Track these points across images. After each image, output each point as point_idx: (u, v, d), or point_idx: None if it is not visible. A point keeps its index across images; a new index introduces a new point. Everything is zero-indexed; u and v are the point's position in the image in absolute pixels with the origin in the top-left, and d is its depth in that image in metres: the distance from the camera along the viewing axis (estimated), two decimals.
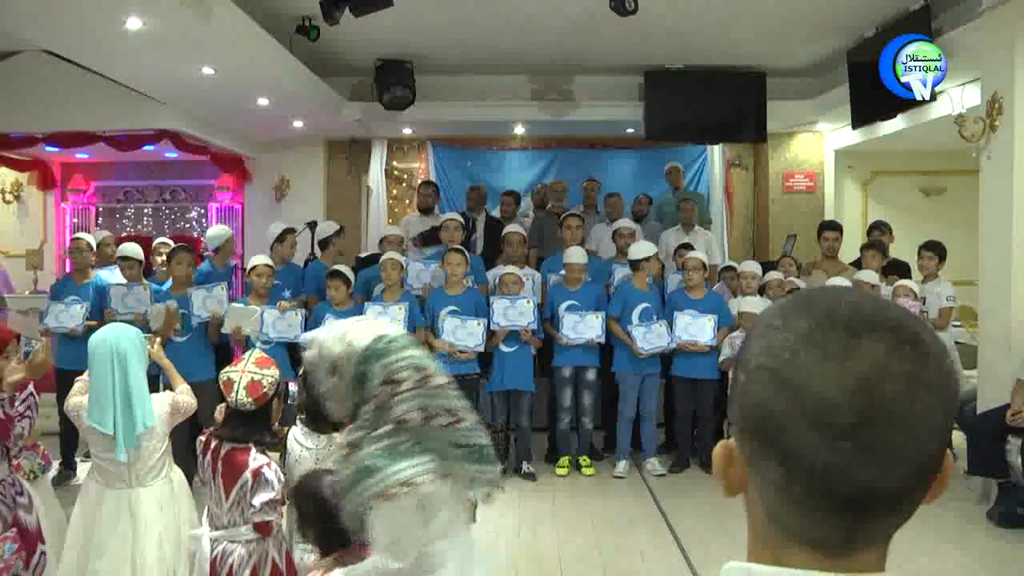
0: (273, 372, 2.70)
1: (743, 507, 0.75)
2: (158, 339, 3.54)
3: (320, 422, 2.68)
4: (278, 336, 5.35)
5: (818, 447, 0.64)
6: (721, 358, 5.75)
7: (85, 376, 2.93)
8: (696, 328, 5.70)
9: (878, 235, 6.68)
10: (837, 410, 0.63)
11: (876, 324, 0.66)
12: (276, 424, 2.78)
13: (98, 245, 6.11)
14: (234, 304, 5.39)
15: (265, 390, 2.64)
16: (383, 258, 5.70)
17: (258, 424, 2.66)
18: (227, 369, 2.72)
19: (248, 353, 2.79)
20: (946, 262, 6.09)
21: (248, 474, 2.56)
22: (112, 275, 5.92)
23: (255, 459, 2.59)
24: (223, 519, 2.61)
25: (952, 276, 6.21)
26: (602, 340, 5.69)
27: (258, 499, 2.54)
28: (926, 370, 0.65)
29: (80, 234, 6.06)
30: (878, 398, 0.63)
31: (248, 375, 2.65)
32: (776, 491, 0.68)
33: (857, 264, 6.54)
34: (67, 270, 7.40)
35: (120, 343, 2.77)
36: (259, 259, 5.56)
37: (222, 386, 2.67)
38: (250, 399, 2.61)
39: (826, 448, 0.64)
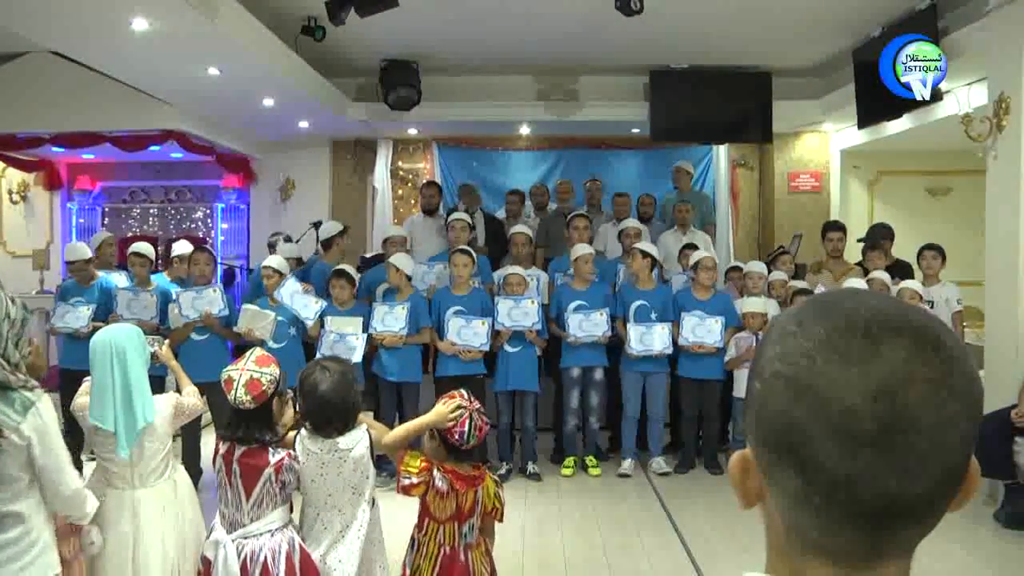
0: (272, 370, 2.70)
1: (751, 510, 0.73)
2: (166, 341, 3.54)
3: (323, 426, 2.68)
4: (292, 308, 5.37)
5: (839, 456, 0.61)
6: (726, 358, 5.74)
7: None
8: (703, 330, 5.68)
9: (880, 238, 6.60)
10: (858, 417, 0.61)
11: (897, 328, 0.63)
12: (281, 424, 2.78)
13: (99, 246, 6.09)
14: (248, 306, 5.37)
15: (264, 388, 2.64)
16: (388, 259, 5.70)
17: (260, 423, 2.67)
18: (228, 368, 2.73)
19: (249, 352, 2.79)
20: (946, 263, 6.01)
21: (271, 469, 2.61)
22: (111, 278, 5.92)
23: (275, 454, 2.64)
24: (244, 519, 2.62)
25: (958, 277, 6.16)
26: (609, 334, 5.67)
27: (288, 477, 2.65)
28: (950, 375, 0.63)
29: (74, 250, 5.78)
30: (901, 404, 0.61)
31: (247, 373, 2.66)
32: (795, 502, 0.65)
33: (862, 265, 6.51)
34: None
35: (119, 340, 2.76)
36: (268, 260, 5.60)
37: (223, 385, 2.68)
38: (249, 397, 2.62)
39: (847, 457, 0.61)
